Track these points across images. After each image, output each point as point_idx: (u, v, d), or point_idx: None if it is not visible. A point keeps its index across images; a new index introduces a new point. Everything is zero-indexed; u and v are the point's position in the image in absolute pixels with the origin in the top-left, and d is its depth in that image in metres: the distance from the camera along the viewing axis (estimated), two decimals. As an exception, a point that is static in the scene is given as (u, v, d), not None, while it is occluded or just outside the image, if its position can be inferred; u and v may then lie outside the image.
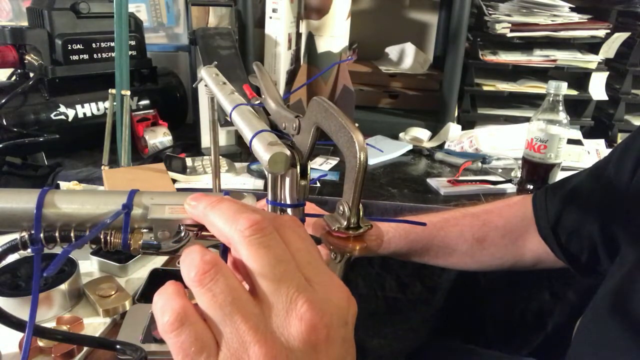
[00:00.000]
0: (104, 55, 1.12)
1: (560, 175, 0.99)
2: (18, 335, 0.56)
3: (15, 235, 0.30)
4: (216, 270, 0.25)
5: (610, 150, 1.23)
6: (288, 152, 0.35)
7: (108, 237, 0.30)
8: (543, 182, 0.97)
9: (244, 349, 0.24)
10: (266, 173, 0.38)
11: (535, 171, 0.98)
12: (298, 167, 0.36)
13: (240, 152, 1.16)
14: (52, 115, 1.06)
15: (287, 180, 0.36)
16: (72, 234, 0.30)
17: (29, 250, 0.30)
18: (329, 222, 0.32)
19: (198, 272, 0.25)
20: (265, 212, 0.29)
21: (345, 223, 0.31)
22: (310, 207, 0.73)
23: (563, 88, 0.93)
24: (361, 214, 0.31)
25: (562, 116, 0.94)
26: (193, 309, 0.25)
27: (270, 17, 1.18)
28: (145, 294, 0.66)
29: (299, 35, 1.27)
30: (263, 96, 0.46)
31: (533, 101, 1.37)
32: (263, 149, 0.36)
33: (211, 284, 0.25)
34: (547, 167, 0.97)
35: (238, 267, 0.27)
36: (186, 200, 0.30)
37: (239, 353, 0.24)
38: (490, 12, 1.28)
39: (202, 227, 0.31)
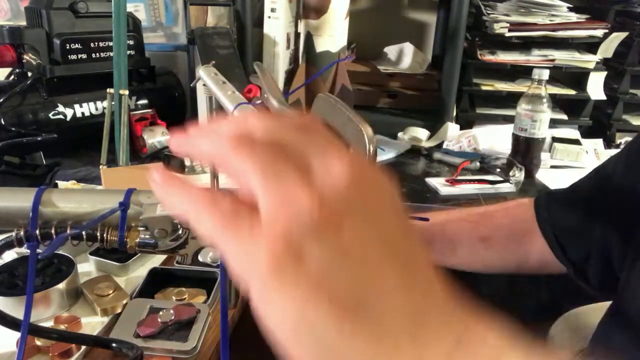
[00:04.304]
0: (103, 54, 1.12)
1: (551, 163, 1.15)
2: (16, 335, 0.55)
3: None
4: (251, 138, 0.23)
5: (609, 150, 1.23)
6: None
7: (105, 235, 0.30)
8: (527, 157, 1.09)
9: (293, 196, 0.22)
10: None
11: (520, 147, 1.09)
12: None
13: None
14: (50, 115, 1.06)
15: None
16: (68, 231, 0.30)
17: (26, 247, 0.30)
18: None
19: (233, 142, 0.23)
20: (280, 115, 0.27)
21: None
22: None
23: (545, 74, 1.05)
24: None
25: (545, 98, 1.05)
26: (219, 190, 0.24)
27: (269, 17, 1.18)
28: (144, 293, 0.66)
29: (297, 34, 1.27)
30: (265, 95, 0.46)
31: (531, 101, 1.37)
32: None
33: (248, 149, 0.23)
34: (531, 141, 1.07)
35: None
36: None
37: (285, 201, 0.22)
38: (488, 11, 1.28)
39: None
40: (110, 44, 1.04)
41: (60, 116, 1.07)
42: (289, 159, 0.23)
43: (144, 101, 1.21)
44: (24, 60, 1.07)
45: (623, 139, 1.29)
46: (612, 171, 0.59)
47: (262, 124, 0.24)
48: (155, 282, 0.68)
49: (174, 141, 0.26)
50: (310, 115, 0.27)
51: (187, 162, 1.02)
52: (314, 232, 0.21)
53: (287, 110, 0.27)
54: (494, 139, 1.23)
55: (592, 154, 1.20)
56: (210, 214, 0.23)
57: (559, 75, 1.35)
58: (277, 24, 1.17)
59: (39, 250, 0.30)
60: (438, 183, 1.01)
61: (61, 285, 0.62)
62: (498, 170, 1.10)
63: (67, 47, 1.06)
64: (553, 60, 1.27)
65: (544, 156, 1.13)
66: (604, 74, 1.29)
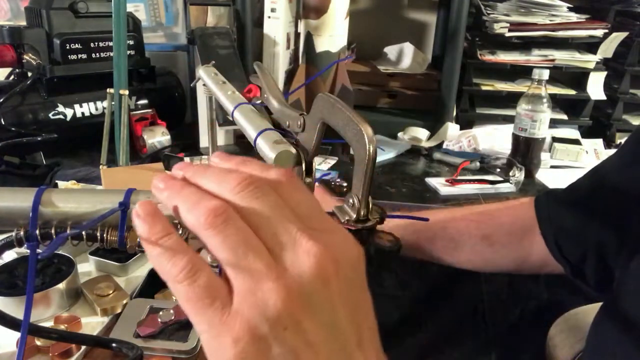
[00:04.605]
0: (102, 54, 1.12)
1: (551, 163, 1.16)
2: (16, 335, 0.55)
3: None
4: (227, 214, 0.25)
5: (609, 150, 1.23)
6: (294, 150, 0.35)
7: (105, 235, 0.30)
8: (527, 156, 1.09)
9: (258, 285, 0.24)
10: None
11: (519, 147, 1.09)
12: (303, 165, 0.36)
13: (239, 151, 1.16)
14: (50, 115, 1.06)
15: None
16: (68, 231, 0.30)
17: (26, 246, 0.30)
18: (338, 214, 0.32)
19: (209, 216, 0.25)
20: (258, 168, 0.28)
21: (354, 215, 0.31)
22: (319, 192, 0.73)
23: (545, 74, 1.05)
24: (370, 206, 0.31)
25: (545, 98, 1.05)
26: (201, 258, 0.26)
27: (269, 17, 1.18)
28: (144, 293, 0.66)
29: (297, 34, 1.27)
30: (265, 95, 0.46)
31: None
32: (268, 148, 0.36)
33: (223, 225, 0.25)
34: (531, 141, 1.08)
35: None
36: (172, 169, 0.29)
37: (253, 291, 0.24)
38: (488, 11, 1.28)
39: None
40: (110, 44, 1.04)
41: (60, 116, 1.07)
42: (259, 244, 0.25)
43: (144, 101, 1.21)
44: (24, 60, 1.07)
45: (623, 139, 1.29)
46: (608, 171, 0.60)
47: (240, 187, 0.26)
48: (155, 282, 0.68)
49: (155, 189, 0.28)
50: (289, 173, 0.28)
51: (187, 161, 1.02)
52: (276, 330, 0.24)
53: (255, 163, 0.28)
54: (494, 139, 1.23)
55: (592, 154, 1.20)
56: (186, 286, 0.24)
57: (559, 75, 1.35)
58: (277, 24, 1.17)
59: (39, 250, 0.30)
60: (438, 183, 1.01)
61: (61, 285, 0.62)
62: (498, 170, 1.10)
63: (67, 47, 1.06)
64: (553, 60, 1.27)
65: (544, 156, 1.13)
66: (604, 74, 1.29)
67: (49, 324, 0.60)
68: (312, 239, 0.25)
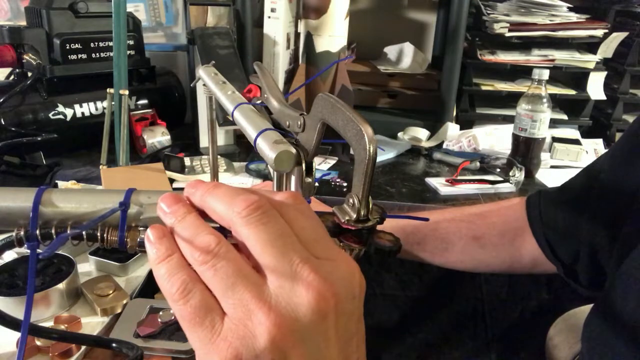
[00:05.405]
0: (103, 54, 1.12)
1: (551, 163, 1.16)
2: (16, 335, 0.55)
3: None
4: (218, 247, 0.26)
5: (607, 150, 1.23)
6: (294, 150, 0.35)
7: (105, 235, 0.30)
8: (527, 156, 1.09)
9: (248, 316, 0.24)
10: (270, 171, 0.39)
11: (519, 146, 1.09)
12: (303, 165, 0.36)
13: (239, 151, 1.16)
14: (50, 115, 1.06)
15: (293, 178, 0.37)
16: (68, 231, 0.30)
17: (26, 246, 0.30)
18: (338, 214, 0.32)
19: (202, 253, 0.26)
20: (265, 192, 0.29)
21: (354, 215, 0.31)
22: (314, 204, 0.73)
23: (545, 74, 1.05)
24: (370, 206, 0.31)
25: (545, 98, 1.05)
26: (198, 277, 0.26)
27: (269, 17, 1.18)
28: (144, 293, 0.66)
29: (297, 34, 1.27)
30: (265, 95, 0.46)
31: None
32: (269, 148, 0.36)
33: (214, 260, 0.25)
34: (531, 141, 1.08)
35: (242, 251, 0.27)
36: (185, 188, 0.30)
37: (243, 321, 0.24)
38: (488, 11, 1.28)
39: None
40: (110, 44, 1.04)
41: (60, 116, 1.07)
42: (252, 275, 0.25)
43: (144, 101, 1.21)
44: (24, 60, 1.07)
45: (623, 139, 1.29)
46: (600, 170, 0.59)
47: (247, 211, 0.26)
48: (155, 282, 0.68)
49: (160, 211, 0.29)
50: (297, 197, 0.29)
51: (187, 162, 1.02)
52: (262, 358, 0.24)
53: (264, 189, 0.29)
54: (494, 139, 1.23)
55: (592, 154, 1.20)
56: (181, 305, 0.25)
57: (559, 75, 1.35)
58: (277, 24, 1.17)
59: (39, 250, 0.30)
60: (438, 183, 1.01)
61: (61, 285, 0.62)
62: (498, 170, 1.10)
63: (67, 47, 1.06)
64: (553, 60, 1.27)
65: (544, 156, 1.13)
66: (604, 74, 1.29)
67: (49, 324, 0.60)
68: (314, 272, 0.25)
